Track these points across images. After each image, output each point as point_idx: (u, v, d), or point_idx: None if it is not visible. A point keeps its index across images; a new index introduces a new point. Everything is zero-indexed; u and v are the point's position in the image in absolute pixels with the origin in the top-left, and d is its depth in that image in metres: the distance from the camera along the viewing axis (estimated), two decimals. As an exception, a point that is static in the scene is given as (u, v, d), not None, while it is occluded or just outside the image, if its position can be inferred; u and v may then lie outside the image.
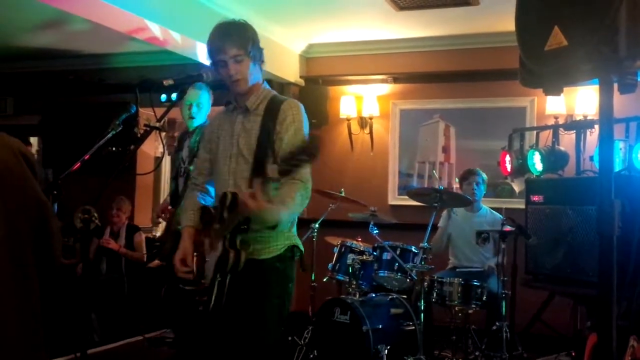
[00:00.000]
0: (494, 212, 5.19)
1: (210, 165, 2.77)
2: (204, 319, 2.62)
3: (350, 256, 4.78)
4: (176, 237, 2.79)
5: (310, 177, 2.56)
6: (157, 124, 2.83)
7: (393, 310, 4.55)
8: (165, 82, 2.73)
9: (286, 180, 2.44)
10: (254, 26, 2.67)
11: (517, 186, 5.70)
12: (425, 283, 4.50)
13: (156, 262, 6.19)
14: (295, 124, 2.57)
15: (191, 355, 3.79)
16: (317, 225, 5.08)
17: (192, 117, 4.10)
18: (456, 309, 4.58)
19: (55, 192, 2.51)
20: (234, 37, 2.59)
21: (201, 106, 4.10)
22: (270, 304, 2.56)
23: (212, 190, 2.82)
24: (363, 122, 6.46)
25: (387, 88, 6.44)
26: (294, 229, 2.70)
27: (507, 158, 4.85)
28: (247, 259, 2.51)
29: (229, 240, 2.47)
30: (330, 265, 4.88)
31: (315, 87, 6.55)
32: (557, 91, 1.99)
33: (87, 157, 2.66)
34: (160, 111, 2.91)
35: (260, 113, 2.62)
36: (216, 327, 2.60)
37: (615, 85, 1.76)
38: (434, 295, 4.56)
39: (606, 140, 1.79)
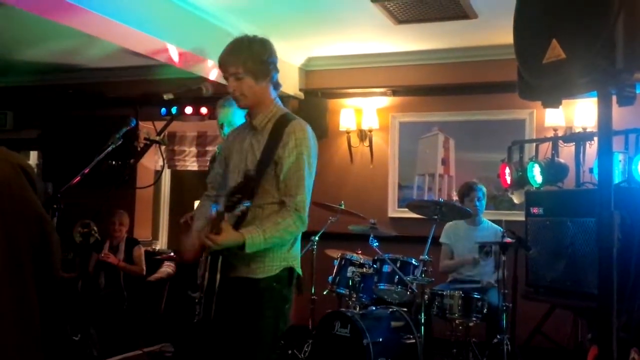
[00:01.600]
0: (495, 225, 5.19)
1: (222, 179, 2.79)
2: (196, 334, 2.63)
3: (350, 269, 4.77)
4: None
5: (307, 204, 2.56)
6: (157, 138, 2.84)
7: (393, 324, 4.53)
8: (165, 96, 2.74)
9: (285, 206, 2.50)
10: None
11: (516, 198, 5.69)
12: (426, 296, 4.49)
13: (157, 275, 6.19)
14: (297, 149, 2.55)
15: None
16: (316, 238, 5.08)
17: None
18: (457, 321, 4.56)
19: (55, 206, 2.51)
20: (233, 55, 2.61)
21: (233, 124, 4.04)
22: (264, 322, 2.54)
23: None
24: (362, 135, 6.47)
25: (387, 101, 6.46)
26: (294, 250, 2.65)
27: (507, 170, 4.86)
28: (242, 277, 2.53)
29: (210, 262, 2.49)
30: (330, 278, 4.87)
31: (314, 100, 6.57)
32: (555, 104, 2.00)
33: (87, 170, 2.67)
34: (160, 125, 2.93)
35: (266, 133, 2.61)
36: (207, 341, 2.60)
37: (614, 98, 1.77)
38: (435, 308, 4.55)
39: (605, 152, 1.80)
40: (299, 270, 2.67)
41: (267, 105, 2.66)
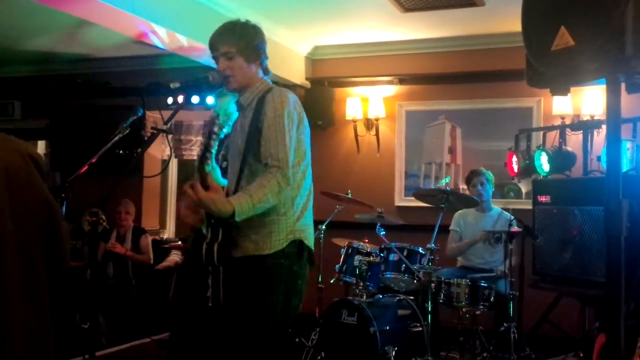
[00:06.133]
0: (505, 212, 5.17)
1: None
2: (204, 313, 2.62)
3: (357, 257, 4.77)
4: (197, 234, 2.79)
5: (293, 159, 2.50)
6: (164, 127, 2.84)
7: (400, 312, 4.55)
8: (171, 85, 2.73)
9: (268, 167, 2.47)
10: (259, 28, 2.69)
11: (524, 187, 5.69)
12: (433, 284, 4.49)
13: (165, 264, 6.22)
14: (275, 112, 2.52)
15: (185, 351, 3.78)
16: (324, 227, 5.09)
17: (222, 126, 4.10)
18: (464, 310, 4.56)
19: (63, 195, 2.51)
20: (226, 35, 2.64)
21: (229, 113, 4.07)
22: (274, 300, 2.50)
23: None
24: (369, 124, 6.46)
25: (393, 89, 6.44)
26: (302, 222, 2.59)
27: (514, 159, 4.85)
28: (248, 256, 2.51)
29: (210, 234, 2.48)
30: (337, 266, 4.88)
31: (321, 88, 6.55)
32: (564, 91, 1.99)
33: (94, 160, 2.67)
34: (167, 114, 2.92)
35: (252, 108, 2.62)
36: (217, 323, 2.60)
37: (623, 85, 1.76)
38: (441, 296, 4.55)
39: (613, 140, 1.79)
40: (309, 243, 2.61)
41: (254, 83, 2.68)
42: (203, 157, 2.45)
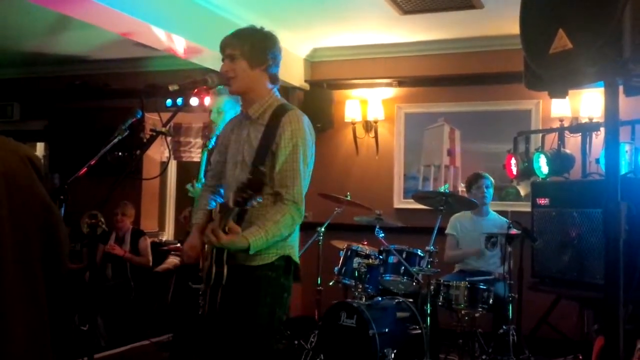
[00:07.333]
0: (501, 216, 5.17)
1: (222, 169, 2.79)
2: (199, 325, 2.64)
3: (356, 260, 4.77)
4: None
5: (303, 195, 2.56)
6: (163, 129, 2.84)
7: (399, 314, 4.54)
8: (170, 88, 2.73)
9: (281, 198, 2.51)
10: None
11: (522, 189, 5.68)
12: (432, 286, 4.49)
13: (164, 266, 6.22)
14: (293, 140, 2.55)
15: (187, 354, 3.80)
16: (323, 229, 5.09)
17: (213, 123, 4.13)
18: (462, 312, 4.56)
19: (62, 197, 2.51)
20: (233, 37, 2.65)
21: (221, 111, 4.09)
22: (260, 311, 2.54)
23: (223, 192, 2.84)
24: (368, 126, 6.46)
25: (392, 92, 6.44)
26: (291, 240, 2.64)
27: (513, 161, 4.85)
28: (238, 265, 2.53)
29: (215, 256, 2.50)
30: (336, 269, 4.88)
31: (320, 91, 6.56)
32: (562, 94, 1.99)
33: (93, 162, 2.67)
34: (165, 116, 2.92)
35: (264, 123, 2.61)
36: (210, 334, 2.62)
37: (621, 88, 1.76)
38: (440, 298, 4.55)
39: (612, 142, 1.79)
40: (296, 258, 2.67)
41: (263, 95, 2.66)
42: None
